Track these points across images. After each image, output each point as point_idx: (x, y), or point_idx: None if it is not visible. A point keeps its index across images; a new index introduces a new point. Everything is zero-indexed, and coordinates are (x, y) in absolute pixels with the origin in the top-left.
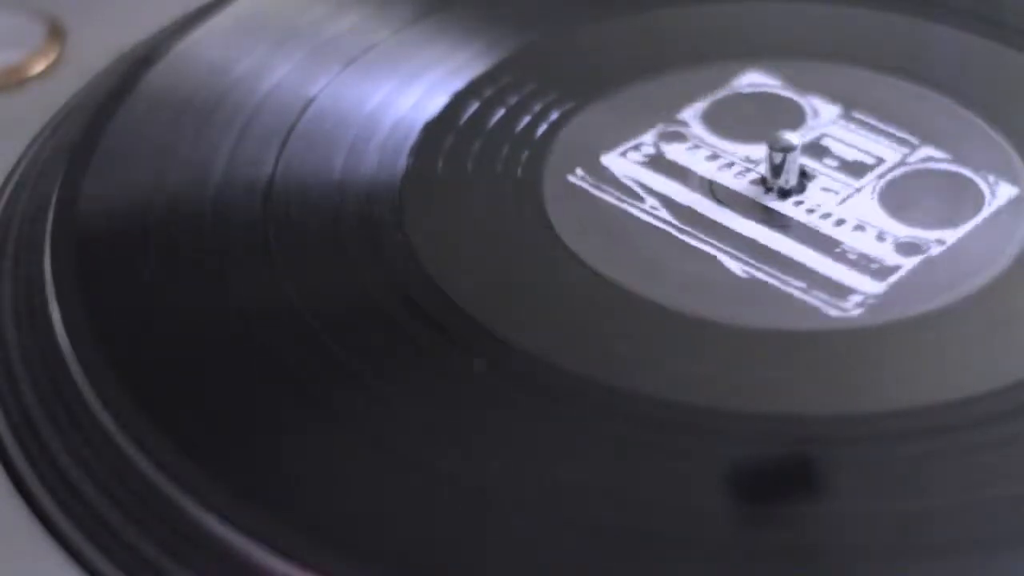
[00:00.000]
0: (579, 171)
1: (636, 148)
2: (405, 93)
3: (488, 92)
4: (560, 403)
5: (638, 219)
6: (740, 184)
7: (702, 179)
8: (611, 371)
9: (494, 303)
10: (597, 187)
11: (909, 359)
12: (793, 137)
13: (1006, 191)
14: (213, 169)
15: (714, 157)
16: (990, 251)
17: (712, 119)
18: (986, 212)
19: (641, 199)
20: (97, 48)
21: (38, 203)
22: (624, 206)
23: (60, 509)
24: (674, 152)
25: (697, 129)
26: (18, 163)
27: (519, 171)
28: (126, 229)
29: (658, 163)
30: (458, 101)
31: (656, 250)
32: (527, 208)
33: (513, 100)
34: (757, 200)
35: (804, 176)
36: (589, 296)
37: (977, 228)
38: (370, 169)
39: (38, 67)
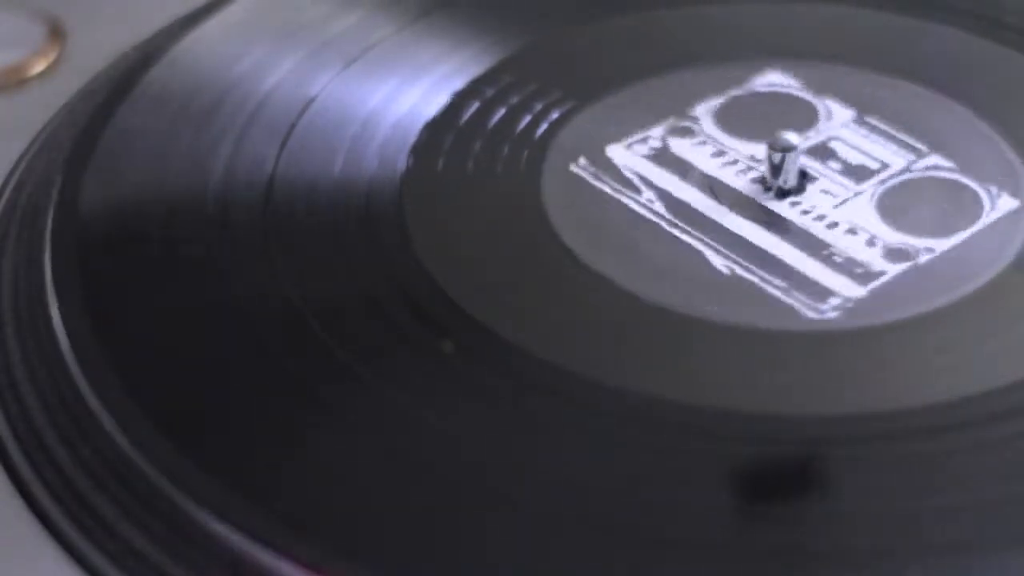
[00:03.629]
0: (580, 165)
1: (643, 141)
2: (405, 92)
3: (488, 91)
4: (560, 402)
5: (637, 216)
6: (740, 182)
7: (703, 175)
8: (611, 370)
9: (494, 303)
10: (597, 182)
11: (899, 361)
12: (793, 137)
13: (1006, 203)
14: (213, 169)
15: (719, 154)
16: (982, 257)
17: (723, 117)
18: (982, 224)
19: (639, 193)
20: (97, 48)
21: (38, 203)
22: (623, 200)
23: (60, 509)
24: (679, 147)
25: (707, 126)
26: (18, 163)
27: (519, 170)
28: (126, 229)
29: (662, 157)
30: (458, 100)
31: (653, 248)
32: (527, 207)
33: (513, 99)
34: (754, 199)
35: (804, 177)
36: (590, 296)
37: (971, 237)
38: (370, 168)
39: (38, 67)
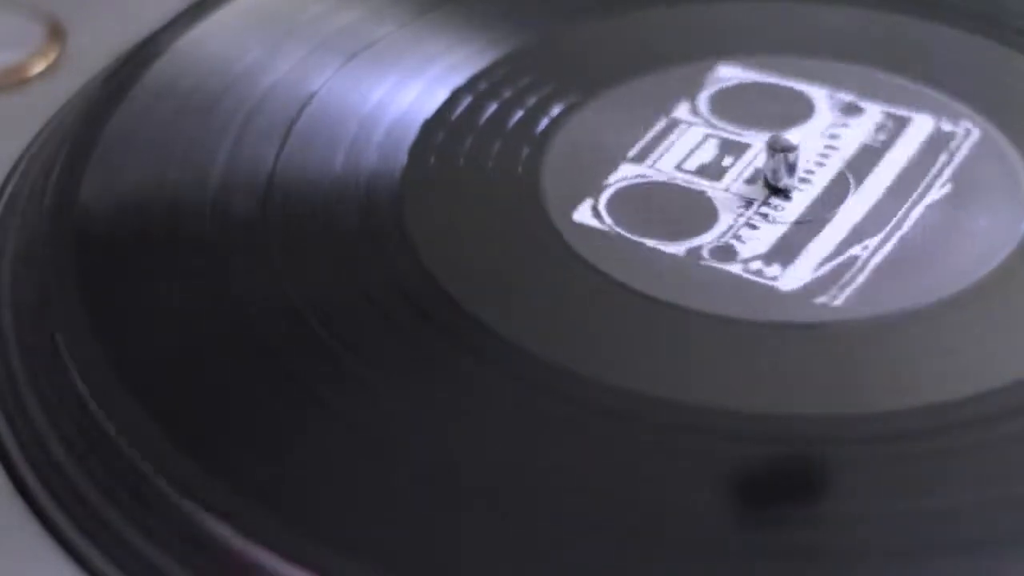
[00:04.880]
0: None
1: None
2: (405, 90)
3: (488, 89)
4: (560, 401)
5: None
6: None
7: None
8: (612, 369)
9: (494, 300)
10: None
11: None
12: (793, 137)
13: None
14: (213, 166)
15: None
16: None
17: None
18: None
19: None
20: (97, 48)
21: (38, 203)
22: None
23: (60, 509)
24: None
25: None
26: (18, 163)
27: (519, 168)
28: (126, 228)
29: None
30: (458, 98)
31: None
32: (527, 205)
33: (514, 96)
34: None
35: (800, 175)
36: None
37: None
38: (370, 166)
39: (38, 67)
